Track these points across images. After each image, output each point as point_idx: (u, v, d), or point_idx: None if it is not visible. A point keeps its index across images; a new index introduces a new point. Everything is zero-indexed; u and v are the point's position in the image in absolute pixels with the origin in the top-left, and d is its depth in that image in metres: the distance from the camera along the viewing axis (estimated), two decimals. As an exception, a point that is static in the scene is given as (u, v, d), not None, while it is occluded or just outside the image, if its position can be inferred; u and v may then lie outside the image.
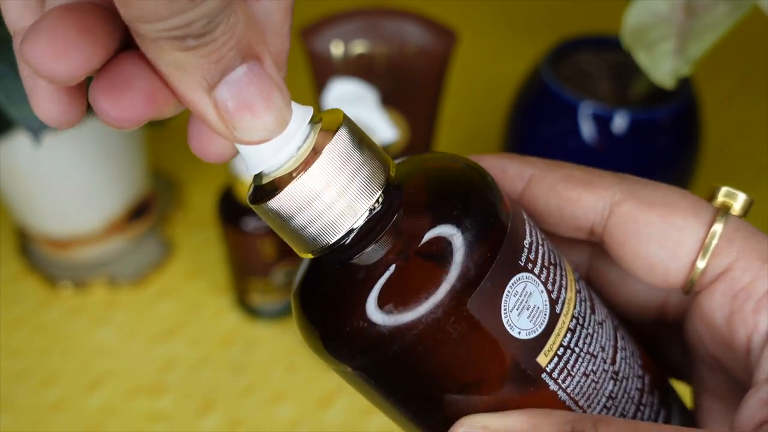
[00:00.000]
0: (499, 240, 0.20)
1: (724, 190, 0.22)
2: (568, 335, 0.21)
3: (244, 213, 0.48)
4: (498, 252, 0.20)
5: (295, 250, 0.20)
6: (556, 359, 0.20)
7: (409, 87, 0.49)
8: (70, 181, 0.50)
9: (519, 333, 0.20)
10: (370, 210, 0.19)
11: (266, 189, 0.19)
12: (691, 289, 0.22)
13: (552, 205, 0.22)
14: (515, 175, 0.21)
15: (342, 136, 0.19)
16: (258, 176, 0.19)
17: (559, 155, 0.51)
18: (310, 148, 0.18)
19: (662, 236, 0.21)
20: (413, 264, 0.19)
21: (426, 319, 0.19)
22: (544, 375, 0.20)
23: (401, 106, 0.50)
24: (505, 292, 0.20)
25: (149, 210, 0.57)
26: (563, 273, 0.21)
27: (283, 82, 0.17)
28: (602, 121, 0.49)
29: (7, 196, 0.52)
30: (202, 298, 0.55)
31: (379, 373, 0.20)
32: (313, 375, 0.50)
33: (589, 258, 0.25)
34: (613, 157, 0.50)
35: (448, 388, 0.20)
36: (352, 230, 0.19)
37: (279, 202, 0.19)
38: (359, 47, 0.48)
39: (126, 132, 0.51)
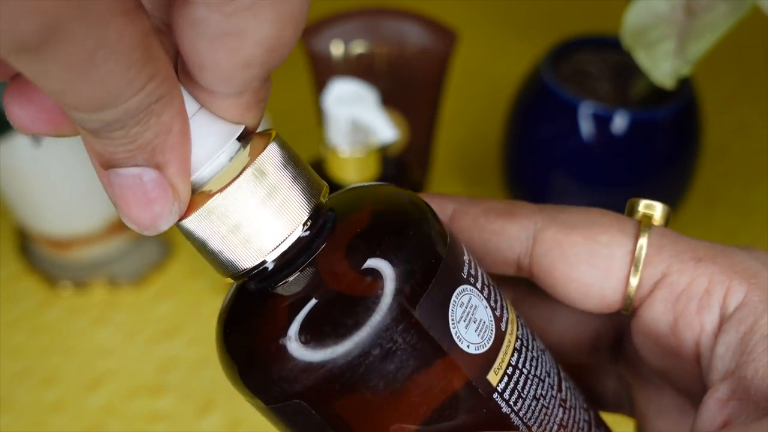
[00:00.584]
0: (439, 256, 0.19)
1: (642, 202, 0.22)
2: (515, 355, 0.20)
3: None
4: (439, 265, 0.19)
5: (217, 272, 0.19)
6: (506, 378, 0.19)
7: (409, 87, 0.49)
8: (70, 181, 0.50)
9: (468, 347, 0.19)
10: (294, 236, 0.18)
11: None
12: (630, 305, 0.21)
13: (476, 239, 0.22)
14: (437, 211, 0.21)
15: (269, 156, 0.17)
16: None
17: (559, 155, 0.52)
18: (238, 166, 0.17)
19: (590, 255, 0.21)
20: (342, 295, 0.18)
21: (363, 347, 0.17)
22: (495, 395, 0.19)
23: (401, 106, 0.50)
24: (451, 302, 0.18)
25: (149, 210, 0.57)
26: (502, 295, 0.21)
27: (184, 189, 0.17)
28: (602, 121, 0.49)
29: (7, 196, 0.52)
30: (202, 298, 0.55)
31: (303, 409, 0.18)
32: (313, 375, 0.50)
33: (511, 302, 0.24)
34: (613, 157, 0.50)
35: (393, 419, 0.18)
36: (272, 256, 0.18)
37: (192, 222, 0.17)
38: (359, 47, 0.48)
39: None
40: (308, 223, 0.18)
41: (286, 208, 0.18)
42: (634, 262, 0.20)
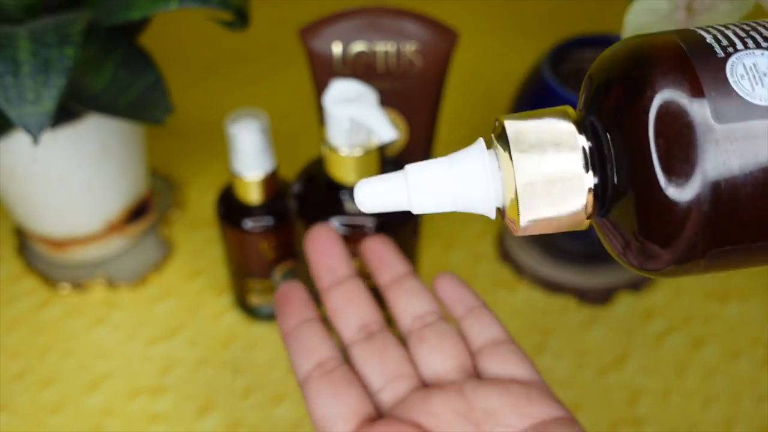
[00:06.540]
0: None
1: None
2: None
3: (244, 213, 0.48)
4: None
5: None
6: None
7: (409, 87, 0.49)
8: (69, 181, 0.50)
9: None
10: None
11: None
12: None
13: None
14: None
15: None
16: None
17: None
18: None
19: None
20: None
21: None
22: None
23: (401, 106, 0.50)
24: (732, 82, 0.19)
25: (148, 210, 0.57)
26: None
27: None
28: (603, 121, 0.48)
29: (5, 196, 0.52)
30: (202, 298, 0.54)
31: None
32: (313, 375, 0.50)
33: None
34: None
35: None
36: None
37: None
38: (359, 47, 0.48)
39: (125, 131, 0.51)
40: None
41: None
42: None
